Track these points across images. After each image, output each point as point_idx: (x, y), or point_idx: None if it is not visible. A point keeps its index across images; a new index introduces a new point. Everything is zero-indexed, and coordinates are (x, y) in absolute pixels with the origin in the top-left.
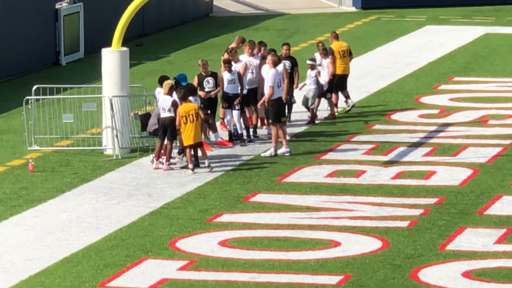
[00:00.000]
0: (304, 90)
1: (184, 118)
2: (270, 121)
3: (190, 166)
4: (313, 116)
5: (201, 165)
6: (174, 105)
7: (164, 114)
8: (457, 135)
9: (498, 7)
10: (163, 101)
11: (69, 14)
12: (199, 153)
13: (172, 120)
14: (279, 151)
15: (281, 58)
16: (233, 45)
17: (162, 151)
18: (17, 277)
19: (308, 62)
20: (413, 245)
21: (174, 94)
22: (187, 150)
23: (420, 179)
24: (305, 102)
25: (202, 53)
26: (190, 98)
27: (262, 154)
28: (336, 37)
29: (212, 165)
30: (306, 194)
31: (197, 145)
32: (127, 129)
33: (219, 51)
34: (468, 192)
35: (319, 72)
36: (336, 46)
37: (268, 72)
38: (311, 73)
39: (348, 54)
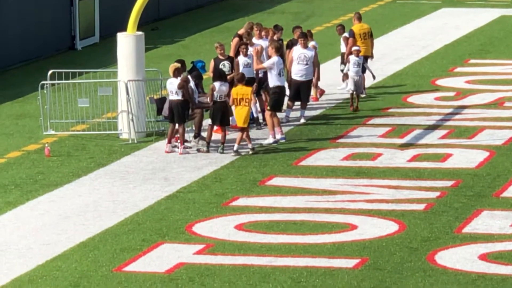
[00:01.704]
0: (353, 78)
1: (236, 100)
2: (268, 107)
3: (250, 146)
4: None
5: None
6: (181, 87)
7: (172, 97)
8: (473, 118)
9: None
10: (170, 84)
11: None
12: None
13: (179, 103)
14: (272, 139)
15: (293, 41)
16: (242, 31)
17: (177, 135)
18: (34, 261)
19: (354, 48)
20: (430, 228)
21: (190, 77)
22: (239, 133)
23: (436, 162)
24: (355, 90)
25: (218, 37)
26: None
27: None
28: (359, 18)
29: (225, 150)
30: (322, 177)
31: (245, 129)
32: (143, 113)
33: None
34: (484, 175)
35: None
36: (357, 28)
37: (271, 58)
38: (357, 60)
39: (369, 36)
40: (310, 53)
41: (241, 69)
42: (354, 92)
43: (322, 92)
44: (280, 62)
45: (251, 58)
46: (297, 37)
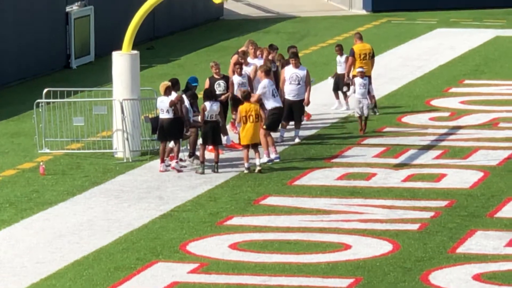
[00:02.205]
0: (359, 101)
1: (244, 118)
2: (264, 126)
3: (246, 165)
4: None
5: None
6: (172, 105)
7: (162, 115)
8: (468, 138)
9: (509, 9)
10: (161, 102)
11: (79, 17)
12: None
13: (171, 121)
14: (266, 159)
15: (288, 61)
16: (243, 48)
17: (173, 154)
18: (28, 280)
19: (358, 70)
20: (424, 248)
21: (185, 96)
22: (245, 150)
23: (430, 182)
24: (361, 113)
25: (213, 56)
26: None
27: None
28: (360, 38)
29: (220, 170)
30: (316, 197)
31: (254, 146)
32: (138, 132)
33: (229, 54)
34: (478, 195)
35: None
36: (358, 47)
37: (261, 82)
38: (362, 81)
39: (370, 57)
40: (302, 73)
41: (235, 88)
42: (362, 115)
43: (308, 117)
44: (271, 83)
45: (245, 77)
46: (289, 56)
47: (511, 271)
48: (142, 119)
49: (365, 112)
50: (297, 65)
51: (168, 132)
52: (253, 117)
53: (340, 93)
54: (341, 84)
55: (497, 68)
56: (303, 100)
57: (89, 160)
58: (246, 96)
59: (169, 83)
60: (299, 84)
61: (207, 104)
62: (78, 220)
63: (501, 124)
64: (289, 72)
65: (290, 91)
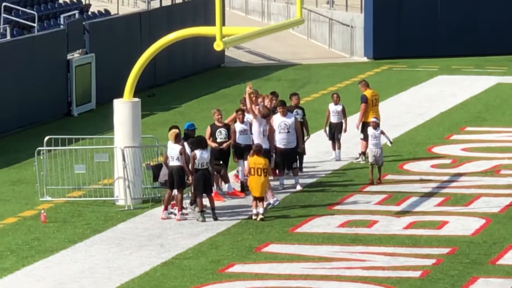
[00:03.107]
0: (371, 151)
1: (251, 169)
2: None
3: (254, 211)
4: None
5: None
6: (182, 153)
7: (173, 163)
8: (470, 185)
9: (510, 56)
10: (172, 150)
11: (81, 65)
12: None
13: (179, 168)
14: (266, 202)
15: (289, 108)
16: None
17: (173, 202)
18: None
19: (372, 120)
20: None
21: (186, 144)
22: (253, 202)
23: (432, 229)
24: (375, 162)
25: (214, 104)
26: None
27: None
28: (368, 85)
29: (220, 218)
30: (318, 244)
31: (259, 198)
32: (139, 180)
33: (231, 102)
34: (480, 242)
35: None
36: (369, 93)
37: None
38: (375, 133)
39: (378, 103)
40: (290, 121)
41: (237, 136)
42: (374, 164)
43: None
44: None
45: (247, 124)
46: (295, 104)
47: None
48: (143, 167)
49: (380, 162)
50: (284, 113)
51: (177, 179)
52: (261, 171)
53: (336, 141)
54: (337, 133)
55: (498, 115)
56: (294, 147)
57: (90, 207)
58: (257, 151)
59: (178, 131)
60: (288, 132)
61: (197, 152)
62: (80, 267)
63: (502, 171)
64: (278, 121)
65: (280, 140)
